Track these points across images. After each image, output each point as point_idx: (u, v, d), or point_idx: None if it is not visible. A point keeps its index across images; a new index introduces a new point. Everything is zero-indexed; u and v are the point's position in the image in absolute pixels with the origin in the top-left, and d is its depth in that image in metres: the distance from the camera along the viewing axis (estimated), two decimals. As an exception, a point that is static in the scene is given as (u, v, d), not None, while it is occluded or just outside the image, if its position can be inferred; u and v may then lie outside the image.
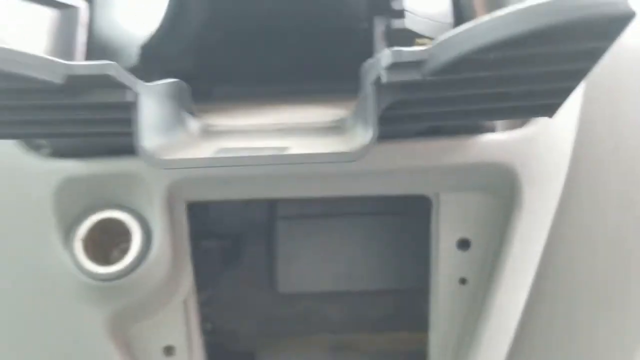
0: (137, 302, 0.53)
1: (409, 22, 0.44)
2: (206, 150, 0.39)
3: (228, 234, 0.80)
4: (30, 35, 0.44)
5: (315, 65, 0.42)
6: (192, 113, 0.43)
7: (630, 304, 0.56)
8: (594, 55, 0.36)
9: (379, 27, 0.44)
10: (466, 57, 0.33)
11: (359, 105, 0.40)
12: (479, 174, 0.52)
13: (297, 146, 0.38)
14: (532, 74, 0.37)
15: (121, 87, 0.35)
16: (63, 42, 0.46)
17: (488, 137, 0.51)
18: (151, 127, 0.37)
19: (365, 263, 0.75)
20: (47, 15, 0.45)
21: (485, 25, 0.32)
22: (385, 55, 0.34)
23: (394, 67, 0.34)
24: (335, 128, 0.41)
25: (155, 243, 0.52)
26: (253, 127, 0.42)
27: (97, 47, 0.48)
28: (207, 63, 0.46)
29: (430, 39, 0.45)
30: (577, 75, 0.38)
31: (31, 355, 0.55)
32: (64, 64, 0.34)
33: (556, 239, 0.55)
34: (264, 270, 0.77)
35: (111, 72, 0.34)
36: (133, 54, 0.44)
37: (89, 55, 0.48)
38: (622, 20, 0.31)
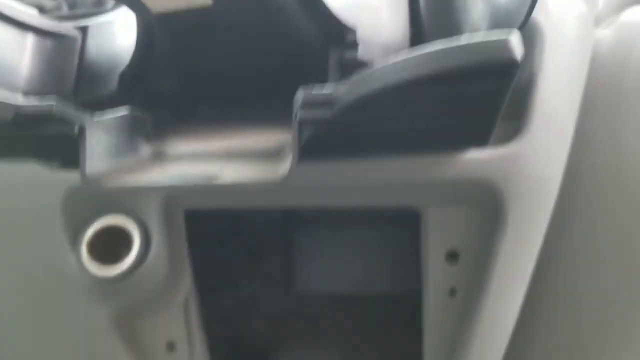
0: (139, 301, 0.57)
1: (362, 53, 0.46)
2: (150, 175, 0.42)
3: (247, 236, 0.83)
4: (27, 62, 0.49)
5: (279, 90, 0.44)
6: (149, 139, 0.47)
7: (629, 320, 0.54)
8: (496, 95, 0.37)
9: (333, 58, 0.46)
10: (369, 98, 0.34)
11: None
12: (463, 190, 0.52)
13: (232, 171, 0.41)
14: (439, 111, 0.39)
15: (65, 122, 0.39)
16: (56, 68, 0.51)
17: (471, 154, 0.51)
18: (96, 155, 0.41)
19: (383, 266, 0.76)
20: (44, 44, 0.50)
21: (385, 69, 0.34)
22: (298, 95, 0.37)
23: (306, 106, 0.36)
24: (275, 154, 0.43)
25: (153, 247, 0.55)
26: (201, 152, 0.45)
27: (86, 74, 0.52)
28: (181, 87, 0.49)
29: None
30: (489, 111, 0.40)
31: (42, 349, 0.60)
32: (13, 105, 0.39)
33: (550, 254, 0.54)
34: (280, 270, 0.79)
35: (54, 110, 0.39)
36: (115, 81, 0.48)
37: (79, 81, 0.52)
38: (507, 67, 0.32)
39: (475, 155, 0.51)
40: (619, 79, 0.55)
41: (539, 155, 0.51)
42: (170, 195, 0.55)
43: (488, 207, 0.52)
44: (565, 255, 0.55)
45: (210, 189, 0.55)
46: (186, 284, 0.59)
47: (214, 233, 0.74)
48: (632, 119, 0.53)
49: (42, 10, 0.61)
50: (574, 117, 0.54)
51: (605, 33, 0.55)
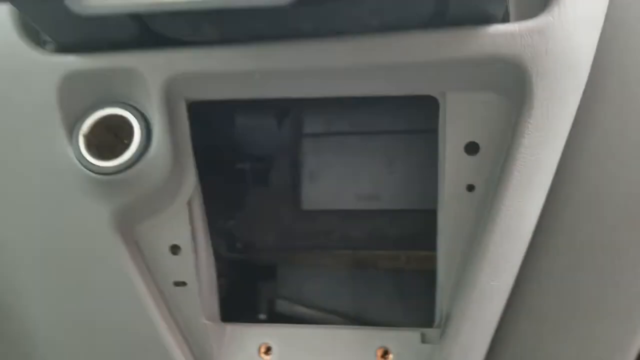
0: (140, 198, 0.54)
1: None
2: None
3: (259, 156, 0.81)
4: None
5: None
6: None
7: None
8: None
9: None
10: None
11: None
12: (485, 69, 0.49)
13: None
14: None
15: None
16: None
17: (495, 28, 0.47)
18: None
19: (388, 183, 0.73)
20: None
21: None
22: None
23: None
24: None
25: (154, 139, 0.52)
26: None
27: None
28: None
29: None
30: None
31: (43, 248, 0.57)
32: None
33: (578, 144, 0.51)
34: (289, 188, 0.77)
35: None
36: None
37: None
38: None
39: (499, 30, 0.47)
40: None
41: (569, 32, 0.47)
42: (171, 83, 0.52)
43: (512, 90, 0.49)
44: (593, 151, 0.51)
45: (213, 76, 0.52)
46: (190, 181, 0.56)
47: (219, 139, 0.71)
48: None
49: None
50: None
51: None
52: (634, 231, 0.52)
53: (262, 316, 0.78)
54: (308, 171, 0.76)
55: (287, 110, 0.77)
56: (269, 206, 0.78)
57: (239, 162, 0.81)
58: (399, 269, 0.73)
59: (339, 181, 0.75)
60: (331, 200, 0.75)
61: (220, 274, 0.67)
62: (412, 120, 0.71)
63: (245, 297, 0.81)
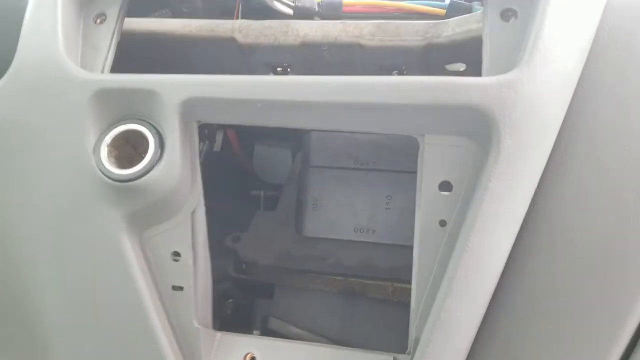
0: (149, 205, 0.60)
1: None
2: None
3: (270, 185, 0.87)
4: None
5: None
6: None
7: (625, 262, 0.54)
8: None
9: None
10: None
11: None
12: (459, 116, 0.54)
13: None
14: None
15: None
16: None
17: (469, 80, 0.53)
18: None
19: (384, 218, 0.78)
20: None
21: None
22: None
23: None
24: None
25: (166, 153, 0.59)
26: None
27: None
28: None
29: None
30: None
31: (57, 243, 0.64)
32: None
33: (547, 191, 0.55)
34: (293, 215, 0.83)
35: None
36: None
37: None
38: None
39: (472, 82, 0.53)
40: (627, 43, 0.57)
41: (537, 88, 0.53)
42: (186, 106, 0.59)
43: (483, 137, 0.54)
44: (561, 203, 0.55)
45: (224, 102, 0.59)
46: (196, 194, 0.63)
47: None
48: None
49: None
50: (579, 65, 0.55)
51: None
52: (599, 280, 0.55)
53: (256, 332, 0.83)
54: (312, 201, 0.81)
55: (300, 144, 0.84)
56: (274, 230, 0.84)
57: (254, 189, 0.88)
58: (385, 299, 0.77)
59: (339, 212, 0.80)
60: (331, 229, 0.80)
61: (227, 294, 0.72)
62: (410, 162, 0.76)
63: (242, 312, 0.86)
